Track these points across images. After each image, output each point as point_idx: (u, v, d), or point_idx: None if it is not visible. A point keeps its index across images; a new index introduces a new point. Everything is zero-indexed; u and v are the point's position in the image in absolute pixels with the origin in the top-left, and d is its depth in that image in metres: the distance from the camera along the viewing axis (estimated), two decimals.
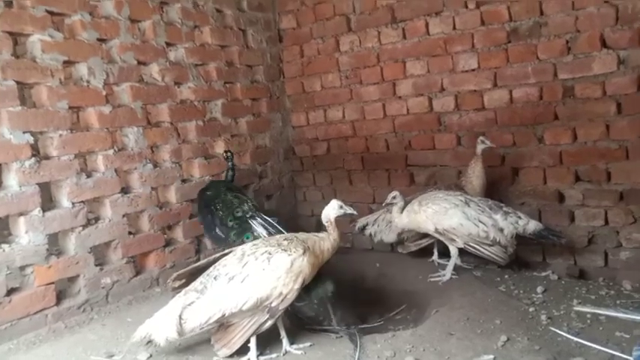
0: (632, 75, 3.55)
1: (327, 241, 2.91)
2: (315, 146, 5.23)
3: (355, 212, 3.02)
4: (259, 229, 3.58)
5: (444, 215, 3.62)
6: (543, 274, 3.81)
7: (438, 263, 4.12)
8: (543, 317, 3.04)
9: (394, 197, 3.79)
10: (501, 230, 3.57)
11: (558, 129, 3.87)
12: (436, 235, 3.80)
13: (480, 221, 3.59)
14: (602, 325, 2.89)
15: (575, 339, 2.71)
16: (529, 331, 2.89)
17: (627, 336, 2.70)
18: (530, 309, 3.19)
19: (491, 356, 2.61)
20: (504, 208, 3.67)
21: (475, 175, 4.00)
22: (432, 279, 3.85)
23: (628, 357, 2.39)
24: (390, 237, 4.26)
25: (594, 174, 3.77)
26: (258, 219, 3.65)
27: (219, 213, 3.77)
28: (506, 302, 3.32)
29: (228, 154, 4.21)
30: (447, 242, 3.79)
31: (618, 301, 3.27)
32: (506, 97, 4.07)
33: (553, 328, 2.89)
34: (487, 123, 4.18)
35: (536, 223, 3.61)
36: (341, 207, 2.95)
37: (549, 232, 3.64)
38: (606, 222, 3.75)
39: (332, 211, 2.95)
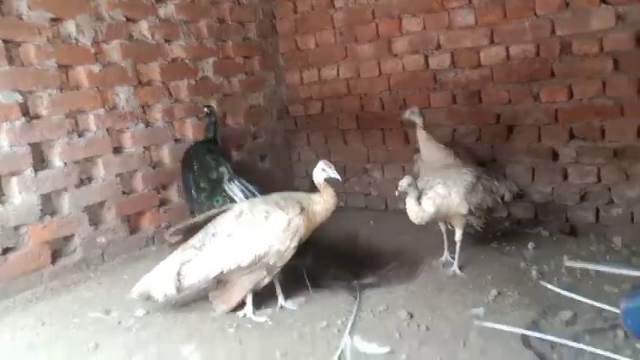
0: (631, 31, 3.49)
1: (318, 204, 2.81)
2: (309, 105, 5.17)
3: (339, 177, 2.81)
4: (238, 193, 3.47)
5: (473, 191, 3.14)
6: (535, 230, 3.85)
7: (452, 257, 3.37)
8: (534, 272, 3.09)
9: (409, 185, 2.95)
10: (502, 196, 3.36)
11: (554, 86, 3.84)
12: (463, 219, 3.19)
13: (491, 190, 3.29)
14: (592, 280, 2.95)
15: (565, 293, 2.76)
16: (519, 285, 2.94)
17: (616, 290, 2.75)
18: (521, 264, 3.24)
19: (482, 309, 2.66)
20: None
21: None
22: (448, 273, 3.21)
23: (616, 310, 2.45)
24: None
25: (589, 131, 3.76)
26: (237, 182, 3.54)
27: (195, 174, 3.69)
28: (497, 258, 3.37)
29: (211, 108, 4.09)
30: (459, 225, 3.23)
31: (608, 257, 3.31)
32: (503, 54, 4.01)
33: (543, 282, 2.94)
34: (483, 80, 4.13)
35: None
36: (323, 169, 2.80)
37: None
38: (599, 179, 3.77)
39: (318, 173, 2.82)
